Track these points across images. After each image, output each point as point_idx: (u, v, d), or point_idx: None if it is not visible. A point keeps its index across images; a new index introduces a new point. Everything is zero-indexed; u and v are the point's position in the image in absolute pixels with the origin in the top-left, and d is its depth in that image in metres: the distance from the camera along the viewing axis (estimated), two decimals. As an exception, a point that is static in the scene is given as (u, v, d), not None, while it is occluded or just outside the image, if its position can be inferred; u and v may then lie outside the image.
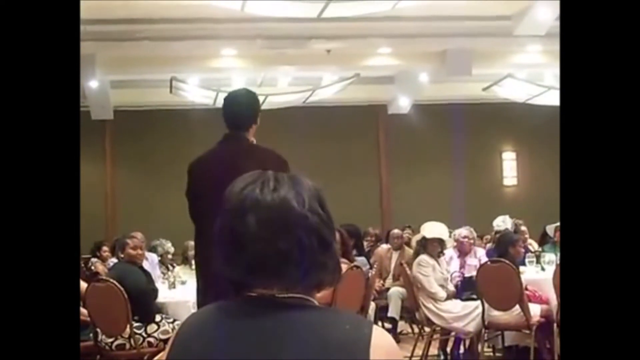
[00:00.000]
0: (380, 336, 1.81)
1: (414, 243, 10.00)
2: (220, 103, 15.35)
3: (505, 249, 8.62)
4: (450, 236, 9.80)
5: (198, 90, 15.15)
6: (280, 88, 15.95)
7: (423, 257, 8.74)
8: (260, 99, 15.61)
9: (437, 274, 8.71)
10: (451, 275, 9.26)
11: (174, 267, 11.24)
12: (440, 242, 8.92)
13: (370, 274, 8.93)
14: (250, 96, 5.52)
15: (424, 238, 8.92)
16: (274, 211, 1.86)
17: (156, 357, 2.26)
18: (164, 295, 8.36)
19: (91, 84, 14.96)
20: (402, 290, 10.42)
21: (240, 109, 5.39)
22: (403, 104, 17.84)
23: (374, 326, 1.84)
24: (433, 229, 8.98)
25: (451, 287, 8.85)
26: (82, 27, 12.03)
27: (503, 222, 11.53)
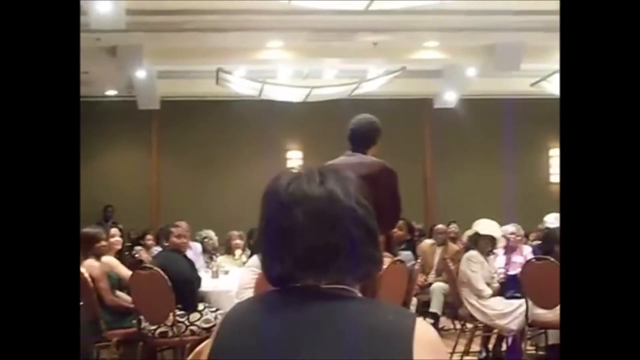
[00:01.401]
0: (423, 328, 1.81)
1: (464, 238, 9.95)
2: (265, 95, 15.45)
3: (551, 247, 8.52)
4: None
5: (244, 81, 15.20)
6: (326, 80, 15.95)
7: (473, 253, 8.69)
8: (306, 91, 15.69)
9: (485, 272, 8.66)
10: (496, 272, 9.21)
11: (217, 256, 11.30)
12: (492, 240, 8.87)
13: (414, 269, 8.90)
14: (374, 123, 6.64)
15: (476, 234, 8.86)
16: (322, 204, 1.86)
17: (199, 346, 2.26)
18: (207, 284, 8.40)
19: (138, 74, 15.08)
20: (444, 285, 10.38)
21: (364, 133, 6.50)
22: (449, 98, 17.77)
23: (418, 318, 1.84)
24: (487, 226, 8.94)
25: (496, 285, 8.79)
26: (129, 18, 12.17)
27: (555, 220, 11.40)
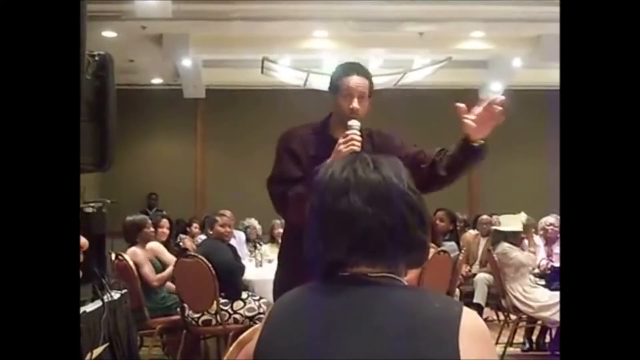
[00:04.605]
0: (470, 317, 1.81)
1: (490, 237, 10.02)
2: (310, 84, 15.45)
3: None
4: (538, 225, 9.78)
5: (289, 71, 15.18)
6: (371, 70, 15.82)
7: (505, 246, 8.69)
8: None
9: (522, 255, 8.65)
10: (539, 264, 9.17)
11: (261, 245, 11.34)
12: (518, 233, 8.87)
13: (458, 259, 8.88)
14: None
15: (499, 232, 8.95)
16: (378, 189, 1.89)
17: (242, 335, 2.27)
18: (251, 273, 8.44)
19: (184, 62, 15.15)
20: (488, 276, 10.34)
21: None
22: (495, 89, 17.66)
23: (465, 307, 1.84)
24: (506, 222, 8.96)
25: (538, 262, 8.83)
26: (176, 6, 12.16)
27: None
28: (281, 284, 4.81)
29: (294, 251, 4.42)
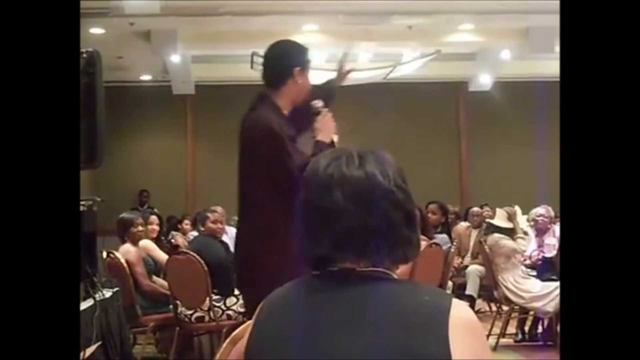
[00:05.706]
0: (459, 309, 1.81)
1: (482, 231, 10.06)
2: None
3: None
4: (528, 215, 9.80)
5: (278, 65, 15.13)
6: (361, 64, 15.87)
7: (496, 236, 8.74)
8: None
9: (512, 242, 8.70)
10: (530, 255, 9.19)
11: (253, 241, 11.31)
12: (511, 230, 8.92)
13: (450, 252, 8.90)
14: (284, 45, 4.59)
15: (493, 225, 9.01)
16: (361, 186, 1.88)
17: (235, 331, 2.27)
18: (243, 268, 8.42)
19: (173, 58, 15.10)
20: (480, 268, 10.36)
21: (268, 61, 4.56)
22: (484, 81, 17.68)
23: (454, 299, 1.84)
24: (503, 217, 9.03)
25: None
26: (163, 2, 12.11)
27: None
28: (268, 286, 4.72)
29: (274, 251, 4.19)
